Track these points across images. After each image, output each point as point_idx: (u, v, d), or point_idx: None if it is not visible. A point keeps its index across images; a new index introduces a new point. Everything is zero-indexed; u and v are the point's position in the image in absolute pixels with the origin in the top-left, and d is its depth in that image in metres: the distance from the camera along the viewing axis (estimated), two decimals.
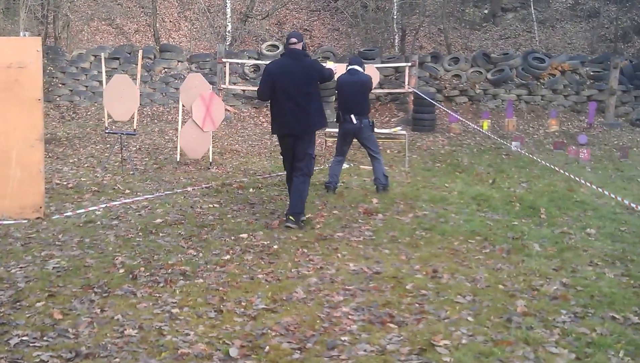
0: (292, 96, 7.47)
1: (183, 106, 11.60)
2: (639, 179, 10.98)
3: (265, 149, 13.71)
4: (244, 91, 18.79)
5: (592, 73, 19.07)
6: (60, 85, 18.31)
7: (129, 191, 9.40)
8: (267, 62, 18.55)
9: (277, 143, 14.18)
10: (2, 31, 17.97)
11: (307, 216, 7.75)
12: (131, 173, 10.67)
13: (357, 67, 9.44)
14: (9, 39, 9.74)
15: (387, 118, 17.85)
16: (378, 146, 9.65)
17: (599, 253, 6.70)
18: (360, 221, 7.88)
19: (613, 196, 8.40)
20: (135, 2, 24.55)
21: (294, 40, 7.65)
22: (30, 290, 5.37)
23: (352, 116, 9.14)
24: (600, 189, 8.59)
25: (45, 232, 7.18)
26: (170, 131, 15.39)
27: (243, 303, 5.19)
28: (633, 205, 7.92)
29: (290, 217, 7.48)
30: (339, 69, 9.22)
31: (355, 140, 9.64)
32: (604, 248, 6.88)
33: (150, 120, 17.32)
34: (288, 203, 7.75)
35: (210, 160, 11.57)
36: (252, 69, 19.44)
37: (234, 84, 18.61)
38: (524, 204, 8.73)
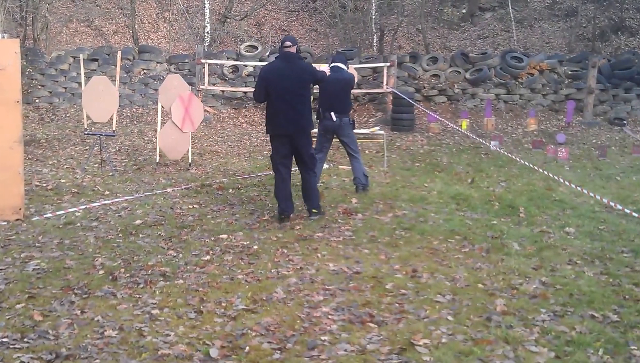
0: (286, 98, 7.68)
1: (162, 107, 11.56)
2: (617, 178, 11.07)
3: (245, 149, 13.69)
4: (223, 91, 18.78)
5: (570, 72, 19.22)
6: (39, 87, 18.20)
7: (108, 192, 9.36)
8: (246, 62, 18.77)
9: (256, 144, 14.26)
10: None
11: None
12: (111, 174, 10.62)
13: (340, 64, 9.45)
14: None
15: (366, 118, 17.89)
16: (357, 145, 9.65)
17: (578, 252, 6.76)
18: (339, 221, 7.89)
19: (592, 194, 8.48)
20: (114, 3, 24.43)
21: (288, 43, 7.90)
22: (10, 292, 5.34)
23: (332, 113, 9.15)
24: (579, 188, 8.67)
25: (25, 234, 7.14)
26: (150, 132, 15.33)
27: (223, 304, 5.19)
28: (612, 204, 8.00)
29: (314, 211, 7.97)
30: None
31: (334, 140, 9.64)
32: (583, 247, 6.94)
33: (130, 121, 17.24)
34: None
35: (190, 161, 11.54)
36: (231, 70, 19.42)
37: (213, 85, 18.58)
38: (503, 204, 8.78)
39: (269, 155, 12.72)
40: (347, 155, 9.66)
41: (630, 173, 11.60)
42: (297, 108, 7.72)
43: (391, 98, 17.12)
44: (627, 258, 6.58)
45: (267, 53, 19.99)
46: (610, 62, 19.48)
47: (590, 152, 14.06)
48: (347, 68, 9.64)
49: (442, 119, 15.04)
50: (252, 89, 18.42)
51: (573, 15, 24.06)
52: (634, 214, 7.38)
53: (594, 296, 5.41)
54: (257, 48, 20.20)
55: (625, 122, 17.70)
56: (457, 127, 14.80)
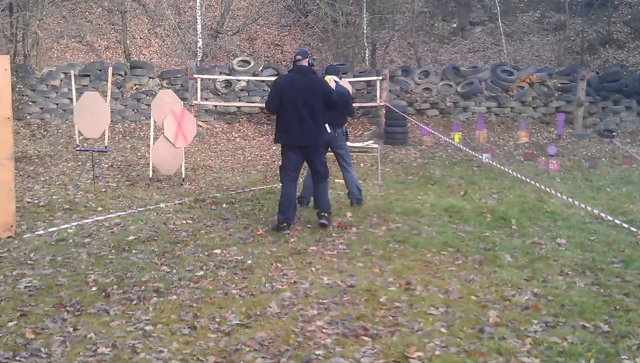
0: (298, 109, 7.90)
1: (155, 122, 11.56)
2: (607, 189, 11.13)
3: (238, 164, 13.70)
4: (215, 106, 18.81)
5: (559, 85, 19.32)
6: (30, 103, 18.19)
7: (101, 208, 9.34)
8: (239, 77, 18.82)
9: (250, 158, 14.28)
10: None
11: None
12: (103, 190, 10.60)
13: (334, 77, 9.43)
14: None
15: (360, 132, 17.95)
16: (350, 157, 9.68)
17: (569, 263, 6.79)
18: (334, 234, 7.91)
19: (582, 206, 8.50)
20: (105, 19, 24.47)
21: (299, 57, 8.20)
22: (1, 310, 5.32)
23: (327, 125, 9.16)
24: (569, 200, 8.68)
25: (17, 251, 7.12)
26: (143, 148, 15.33)
27: (217, 319, 5.18)
28: (602, 215, 8.02)
29: (324, 214, 8.20)
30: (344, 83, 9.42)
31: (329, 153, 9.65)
32: (574, 258, 6.97)
33: (122, 137, 17.24)
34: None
35: (183, 176, 11.53)
36: (224, 85, 19.46)
37: (206, 99, 18.62)
38: (495, 216, 8.82)
39: (263, 170, 12.82)
40: (340, 167, 9.67)
41: (620, 184, 11.66)
42: (309, 120, 7.94)
43: (384, 112, 17.17)
44: (618, 269, 6.62)
45: (260, 68, 20.05)
46: (598, 75, 19.60)
47: (580, 164, 14.12)
48: (340, 80, 9.63)
49: (435, 132, 15.08)
50: (245, 104, 18.77)
51: (562, 28, 24.22)
52: (624, 225, 7.41)
53: (585, 307, 5.44)
54: (249, 63, 20.25)
55: (614, 134, 17.79)
56: (450, 140, 14.85)
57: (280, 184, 8.26)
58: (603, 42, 23.66)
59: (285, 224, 7.98)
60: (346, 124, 9.86)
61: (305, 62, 8.13)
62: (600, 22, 24.34)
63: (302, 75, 8.07)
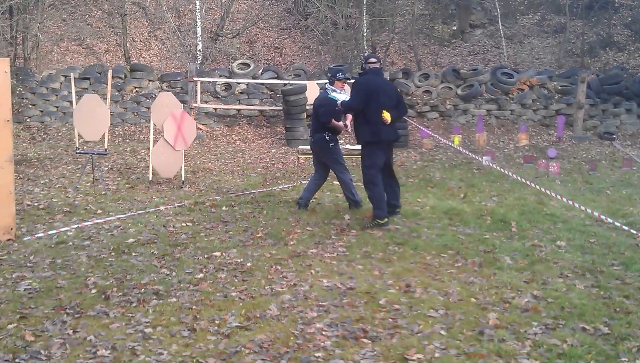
0: (380, 108, 8.27)
1: (154, 125, 11.55)
2: (607, 192, 11.12)
3: (238, 167, 13.70)
4: (215, 109, 18.82)
5: (559, 87, 19.35)
6: (30, 106, 18.20)
7: (101, 211, 9.34)
8: (239, 80, 18.83)
9: (250, 161, 14.27)
10: None
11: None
12: (103, 192, 10.60)
13: (327, 85, 9.42)
14: None
15: None
16: (340, 162, 9.28)
17: (569, 265, 6.79)
18: (333, 237, 7.90)
19: (582, 208, 8.51)
20: (105, 22, 24.50)
21: (373, 60, 8.71)
22: (1, 312, 5.32)
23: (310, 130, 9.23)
24: (569, 202, 8.69)
25: (17, 254, 7.11)
26: (142, 151, 15.33)
27: (217, 322, 5.18)
28: (602, 217, 8.03)
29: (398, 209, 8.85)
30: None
31: None
32: (574, 260, 6.97)
33: (122, 140, 17.24)
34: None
35: (183, 179, 11.53)
36: (224, 88, 19.47)
37: (206, 102, 18.64)
38: (495, 218, 8.81)
39: (263, 172, 12.81)
40: (333, 172, 9.48)
41: (620, 186, 11.66)
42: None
43: None
44: (618, 271, 6.62)
45: (260, 71, 20.07)
46: (599, 78, 19.63)
47: (580, 166, 14.12)
48: (332, 84, 9.38)
49: (435, 135, 15.08)
50: (245, 107, 18.77)
51: (562, 31, 24.25)
52: (624, 227, 7.42)
53: (585, 309, 5.43)
54: (249, 66, 20.27)
55: (614, 136, 17.80)
56: (450, 143, 14.84)
57: (373, 185, 8.42)
58: (603, 45, 23.69)
59: (387, 219, 8.32)
60: (346, 129, 9.74)
61: (378, 65, 8.63)
62: (600, 25, 24.38)
63: (378, 77, 8.59)
